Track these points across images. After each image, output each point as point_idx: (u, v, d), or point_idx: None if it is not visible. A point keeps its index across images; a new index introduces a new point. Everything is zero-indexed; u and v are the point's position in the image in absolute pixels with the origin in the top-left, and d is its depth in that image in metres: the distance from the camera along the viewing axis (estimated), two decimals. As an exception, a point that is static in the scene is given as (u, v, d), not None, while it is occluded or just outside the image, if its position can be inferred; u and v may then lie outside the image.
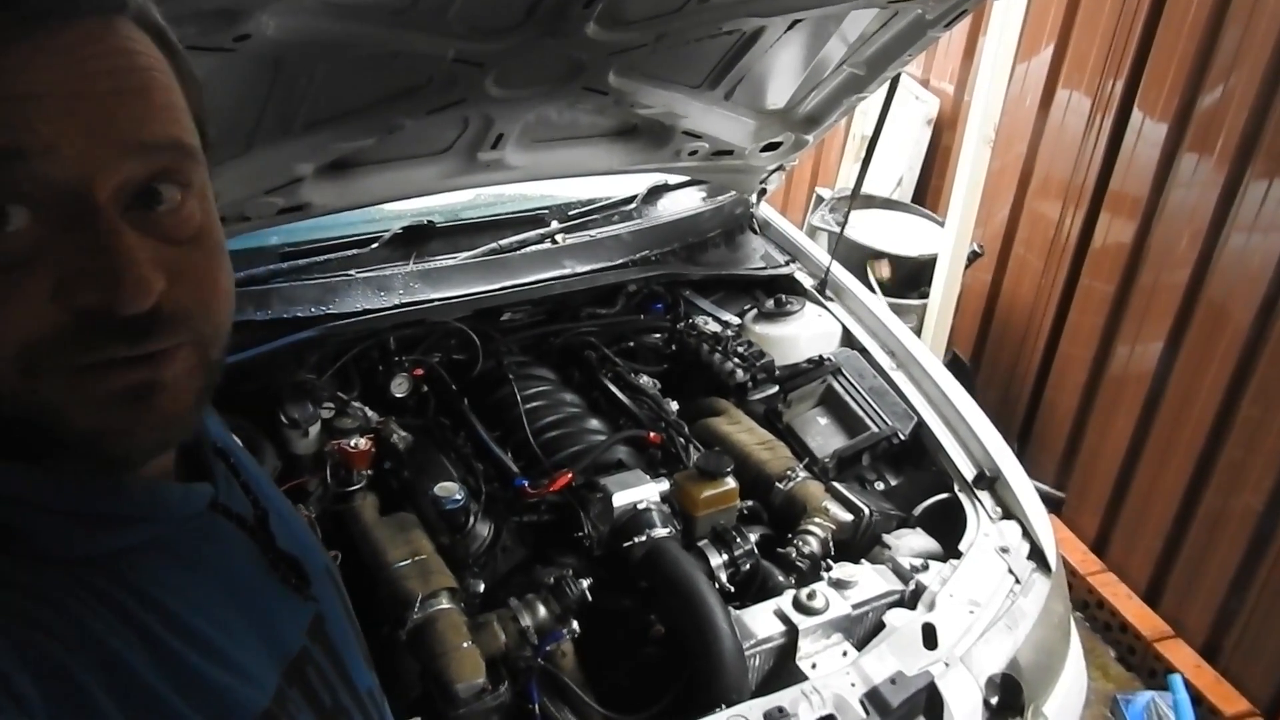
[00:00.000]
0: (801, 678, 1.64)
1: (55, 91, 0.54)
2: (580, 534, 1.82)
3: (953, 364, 3.37)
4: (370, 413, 2.00)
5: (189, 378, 0.61)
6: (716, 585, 1.73)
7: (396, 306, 2.16)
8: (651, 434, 2.06)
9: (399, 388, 2.10)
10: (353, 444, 1.89)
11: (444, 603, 1.61)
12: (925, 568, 1.86)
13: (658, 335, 2.45)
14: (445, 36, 1.51)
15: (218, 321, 0.64)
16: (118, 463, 0.61)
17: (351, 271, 2.21)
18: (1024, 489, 2.05)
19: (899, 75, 2.17)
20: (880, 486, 2.18)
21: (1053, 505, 3.14)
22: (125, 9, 0.59)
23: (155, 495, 0.66)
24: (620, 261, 2.46)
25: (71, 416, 0.57)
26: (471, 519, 1.83)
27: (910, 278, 3.54)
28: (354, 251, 2.26)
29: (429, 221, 2.39)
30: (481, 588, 1.75)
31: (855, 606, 1.75)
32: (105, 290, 0.55)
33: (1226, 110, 2.81)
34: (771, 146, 2.39)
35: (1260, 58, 2.69)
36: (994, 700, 1.70)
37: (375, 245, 2.28)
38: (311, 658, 0.73)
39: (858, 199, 2.56)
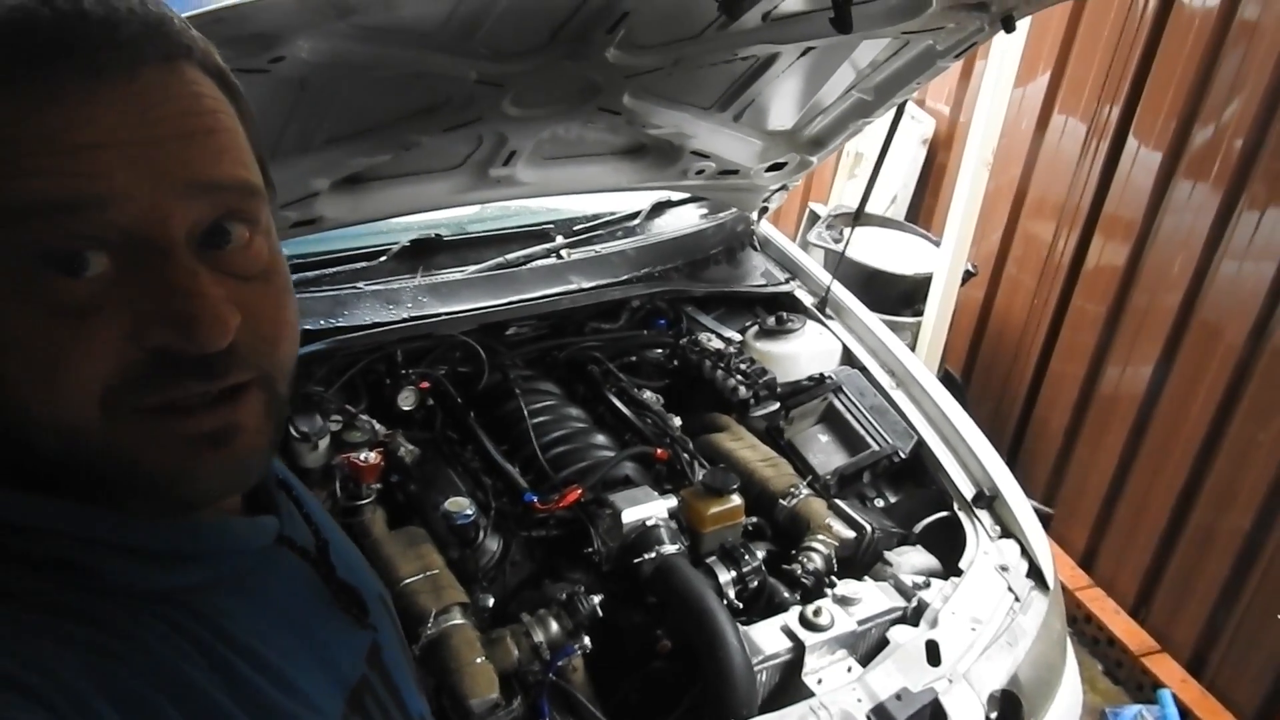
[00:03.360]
0: (808, 694, 1.66)
1: (128, 140, 0.55)
2: (589, 550, 1.84)
3: (945, 380, 3.40)
4: (378, 426, 2.01)
5: (264, 419, 0.63)
6: (725, 602, 1.75)
7: (404, 320, 2.17)
8: (659, 450, 2.08)
9: (406, 401, 2.10)
10: (362, 458, 1.90)
11: (457, 618, 1.63)
12: (927, 585, 1.89)
13: (660, 351, 2.48)
14: (470, 58, 1.53)
15: (286, 356, 0.65)
16: (186, 506, 0.63)
17: (359, 284, 2.22)
18: (1022, 508, 2.09)
19: (905, 101, 2.20)
20: (880, 504, 2.21)
21: (1042, 521, 3.18)
22: (191, 55, 0.60)
23: (226, 532, 0.67)
24: (624, 277, 2.48)
25: (147, 458, 0.59)
26: (481, 534, 1.84)
27: (905, 296, 3.58)
28: (362, 264, 2.27)
29: (436, 235, 2.40)
30: (491, 602, 1.77)
31: (860, 623, 1.77)
32: (183, 330, 0.56)
33: (1221, 140, 2.86)
34: (776, 167, 2.42)
35: (1257, 89, 2.74)
36: (994, 715, 1.73)
37: (383, 258, 2.30)
38: (370, 686, 0.75)
39: (856, 219, 2.59)
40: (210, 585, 0.65)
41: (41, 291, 0.55)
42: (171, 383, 0.57)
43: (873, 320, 2.57)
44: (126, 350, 0.56)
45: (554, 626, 1.65)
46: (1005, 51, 3.10)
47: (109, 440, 0.57)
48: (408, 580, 1.69)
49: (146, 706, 0.56)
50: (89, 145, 0.54)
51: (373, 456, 1.91)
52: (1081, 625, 3.28)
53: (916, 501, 2.19)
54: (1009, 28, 1.76)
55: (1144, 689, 3.05)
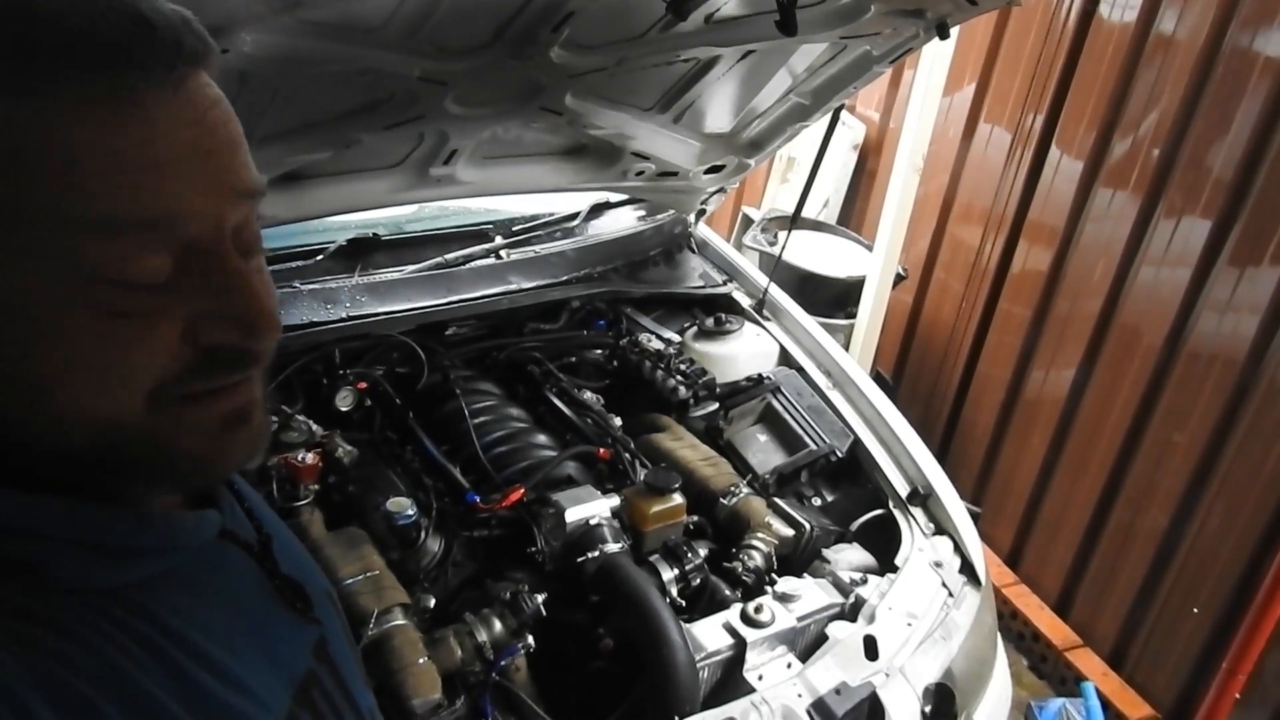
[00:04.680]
0: (749, 689, 1.67)
1: (190, 152, 0.57)
2: (532, 549, 1.83)
3: (876, 381, 3.47)
4: (315, 426, 1.98)
5: (262, 397, 0.66)
6: (668, 599, 1.76)
7: (342, 320, 2.14)
8: (601, 449, 2.09)
9: (343, 401, 2.08)
10: (299, 458, 1.87)
11: (399, 618, 1.61)
12: (864, 581, 1.93)
13: (600, 351, 2.48)
14: (414, 55, 1.52)
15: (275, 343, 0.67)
16: (213, 481, 0.67)
17: (296, 283, 2.19)
18: (954, 505, 2.14)
19: (841, 106, 2.24)
20: (818, 502, 2.24)
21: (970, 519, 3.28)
22: (210, 55, 0.60)
23: (173, 526, 0.67)
24: (564, 278, 2.49)
25: (183, 442, 0.61)
26: (423, 534, 1.82)
27: (838, 298, 3.65)
28: (298, 263, 2.24)
29: (373, 234, 2.38)
30: (432, 603, 1.75)
31: (799, 619, 1.79)
32: (241, 328, 0.60)
33: (1140, 150, 2.97)
34: (715, 169, 2.45)
35: (1173, 101, 2.85)
36: (928, 708, 1.77)
37: (320, 257, 2.27)
38: (317, 679, 0.75)
39: (788, 222, 2.63)
40: (156, 581, 0.64)
41: (105, 297, 0.55)
42: (217, 373, 0.61)
43: (809, 322, 2.61)
44: (180, 348, 0.59)
45: (498, 626, 1.64)
46: (934, 60, 3.18)
47: (148, 429, 0.59)
48: (348, 581, 1.66)
49: (85, 705, 0.55)
50: (161, 161, 0.55)
51: (310, 457, 1.88)
52: (1007, 621, 3.36)
53: (853, 500, 2.23)
54: (943, 34, 1.81)
55: (1067, 682, 3.15)
